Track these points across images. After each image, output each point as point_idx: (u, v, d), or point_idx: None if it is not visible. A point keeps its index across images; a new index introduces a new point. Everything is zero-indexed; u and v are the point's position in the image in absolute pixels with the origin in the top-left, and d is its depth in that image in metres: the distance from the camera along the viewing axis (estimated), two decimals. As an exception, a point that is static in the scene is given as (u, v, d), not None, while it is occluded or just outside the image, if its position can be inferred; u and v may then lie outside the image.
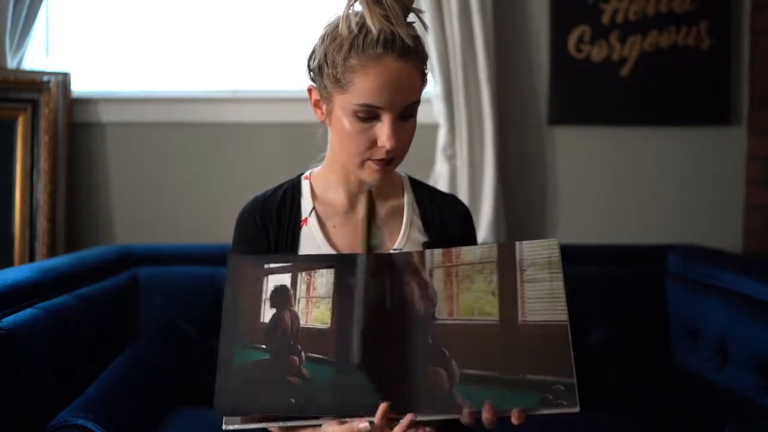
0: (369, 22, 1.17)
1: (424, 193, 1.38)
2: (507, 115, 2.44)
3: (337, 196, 1.33)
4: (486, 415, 1.04)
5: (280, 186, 1.37)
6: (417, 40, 1.21)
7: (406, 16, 1.21)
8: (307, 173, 1.37)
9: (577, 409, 1.02)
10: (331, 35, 1.21)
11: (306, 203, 1.33)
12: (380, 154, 1.21)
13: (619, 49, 2.43)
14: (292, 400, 1.09)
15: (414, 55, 1.20)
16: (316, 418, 1.10)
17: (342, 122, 1.21)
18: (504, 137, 2.42)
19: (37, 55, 2.43)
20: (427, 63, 1.27)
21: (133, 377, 1.77)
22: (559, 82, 2.44)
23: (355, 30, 1.18)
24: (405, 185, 1.38)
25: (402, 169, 1.39)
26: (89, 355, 1.79)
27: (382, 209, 1.33)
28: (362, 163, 1.24)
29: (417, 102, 1.23)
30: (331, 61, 1.20)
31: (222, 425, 1.11)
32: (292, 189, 1.35)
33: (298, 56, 1.25)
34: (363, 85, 1.18)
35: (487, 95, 2.33)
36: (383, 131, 1.19)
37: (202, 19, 2.51)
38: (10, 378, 1.43)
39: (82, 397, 1.57)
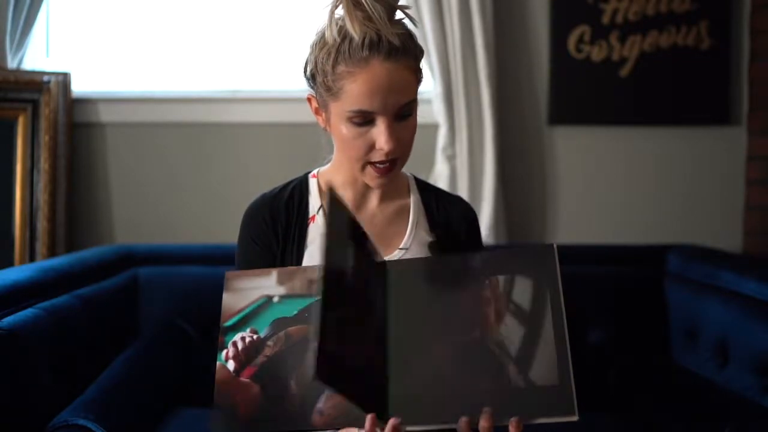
0: (349, 27, 1.16)
1: (430, 193, 1.39)
2: (507, 115, 2.44)
3: (345, 195, 1.32)
4: (484, 424, 1.03)
5: (288, 183, 1.37)
6: (406, 37, 1.20)
7: (390, 15, 1.19)
8: (315, 172, 1.37)
9: (575, 418, 1.02)
10: (320, 43, 1.21)
11: (314, 201, 1.33)
12: (380, 156, 1.21)
13: (619, 49, 2.43)
14: (288, 415, 1.08)
15: (403, 54, 1.18)
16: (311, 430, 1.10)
17: (340, 128, 1.22)
18: (504, 137, 2.42)
19: (37, 55, 2.43)
20: (422, 58, 1.26)
21: (133, 377, 1.77)
22: (559, 82, 2.44)
23: (340, 37, 1.17)
24: (411, 185, 1.38)
25: (403, 169, 1.39)
26: (89, 355, 1.79)
27: (389, 208, 1.34)
28: (363, 168, 1.24)
29: (412, 101, 1.21)
30: (321, 69, 1.20)
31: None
32: (300, 186, 1.35)
33: (297, 56, 1.25)
34: (353, 92, 1.17)
35: (487, 95, 2.33)
36: (380, 134, 1.19)
37: (201, 19, 2.51)
38: (10, 378, 1.43)
39: (82, 397, 1.57)
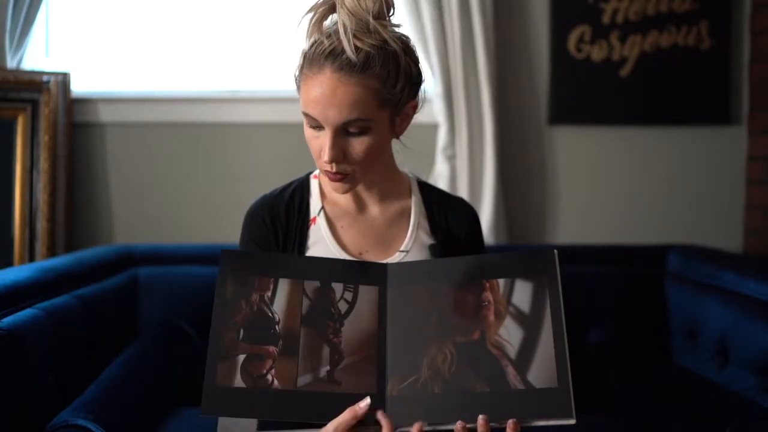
0: (306, 33, 1.18)
1: (431, 195, 1.37)
2: (507, 115, 2.44)
3: (346, 196, 1.31)
4: (481, 428, 1.04)
5: (289, 185, 1.36)
6: (375, 55, 1.15)
7: (365, 28, 1.16)
8: (316, 172, 1.37)
9: (573, 421, 1.02)
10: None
11: (315, 202, 1.33)
12: (324, 164, 1.20)
13: (619, 49, 2.43)
14: (277, 404, 1.08)
15: (360, 71, 1.14)
16: (309, 426, 1.10)
17: (304, 124, 1.23)
18: (504, 137, 2.42)
19: (37, 55, 2.43)
20: (402, 80, 1.19)
21: (133, 377, 1.77)
22: (559, 82, 2.44)
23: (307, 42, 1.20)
24: (412, 186, 1.37)
25: (405, 170, 1.39)
26: (89, 355, 1.79)
27: (389, 210, 1.33)
28: (322, 170, 1.24)
29: (363, 120, 1.16)
30: (297, 65, 1.22)
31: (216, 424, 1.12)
32: (301, 188, 1.35)
33: (297, 56, 1.25)
34: (304, 94, 1.19)
35: (487, 95, 2.33)
36: (324, 143, 1.18)
37: (201, 19, 2.51)
38: (10, 378, 1.43)
39: (82, 397, 1.57)
